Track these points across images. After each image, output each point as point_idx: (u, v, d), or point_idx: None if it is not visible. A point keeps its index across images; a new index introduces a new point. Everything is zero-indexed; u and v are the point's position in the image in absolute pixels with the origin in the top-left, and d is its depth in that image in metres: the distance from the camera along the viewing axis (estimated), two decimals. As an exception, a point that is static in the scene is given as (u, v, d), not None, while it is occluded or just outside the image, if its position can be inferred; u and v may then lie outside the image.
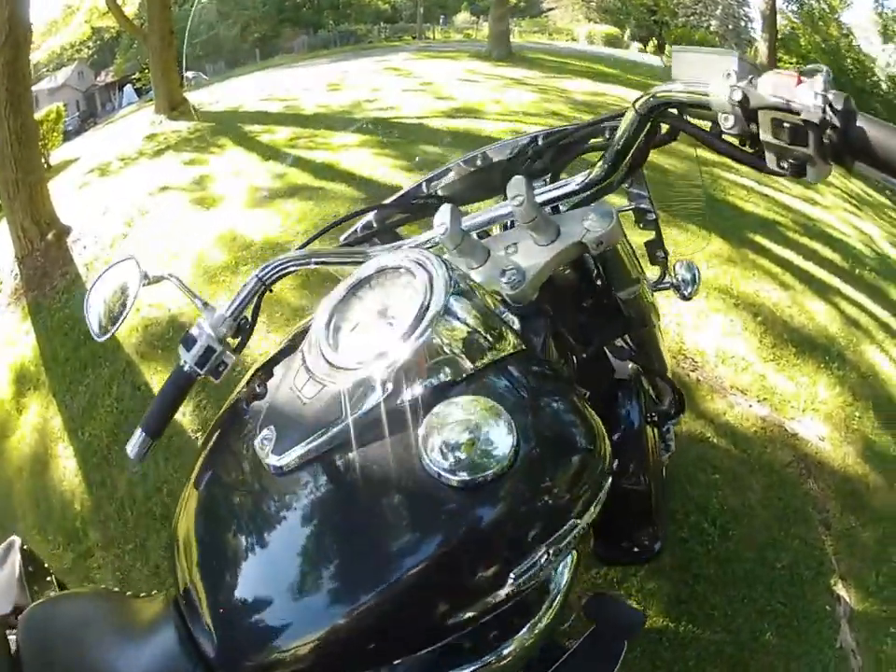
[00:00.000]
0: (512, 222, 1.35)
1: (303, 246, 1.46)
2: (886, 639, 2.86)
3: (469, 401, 0.96)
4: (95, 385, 4.06)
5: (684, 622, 2.63)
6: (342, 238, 1.60)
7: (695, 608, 2.68)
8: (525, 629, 0.99)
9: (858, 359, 4.30)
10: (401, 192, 1.56)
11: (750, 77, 0.81)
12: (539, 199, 1.24)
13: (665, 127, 1.11)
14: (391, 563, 0.91)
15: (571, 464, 1.02)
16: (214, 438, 1.21)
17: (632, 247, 1.34)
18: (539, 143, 1.39)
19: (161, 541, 3.11)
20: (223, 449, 1.18)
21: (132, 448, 1.28)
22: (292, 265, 1.32)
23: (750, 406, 3.66)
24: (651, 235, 1.54)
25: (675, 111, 1.02)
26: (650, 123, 1.07)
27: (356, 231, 1.57)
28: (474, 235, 1.24)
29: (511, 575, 0.91)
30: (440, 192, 1.51)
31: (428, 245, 1.33)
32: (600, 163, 1.19)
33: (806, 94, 0.72)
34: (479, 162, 1.46)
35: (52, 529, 3.43)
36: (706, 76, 0.87)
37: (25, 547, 1.37)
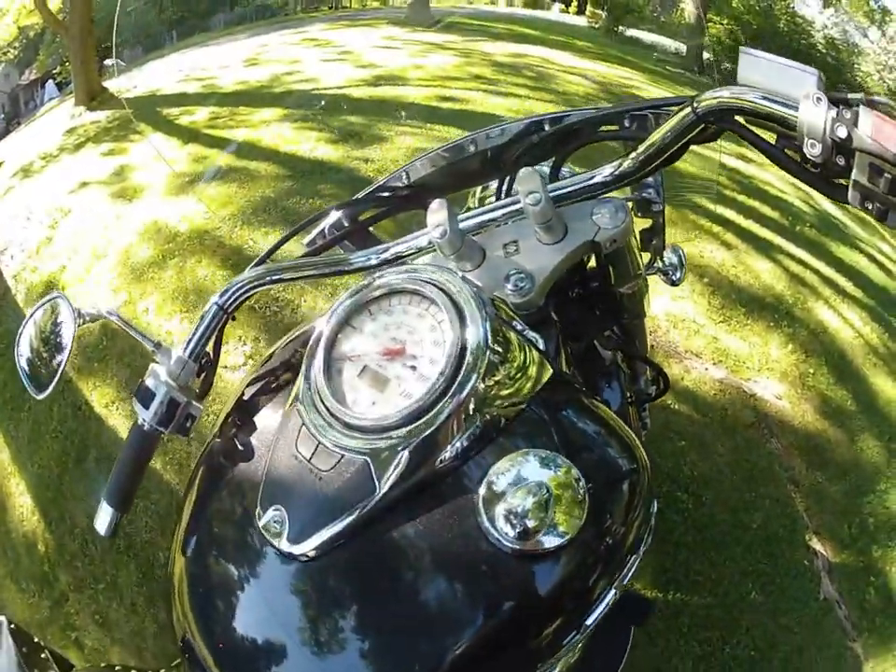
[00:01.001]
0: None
1: (263, 260, 1.25)
2: (868, 588, 3.00)
3: (526, 456, 0.84)
4: (37, 410, 3.79)
5: (672, 591, 2.69)
6: (305, 242, 1.40)
7: (681, 576, 2.74)
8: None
9: (807, 316, 4.32)
10: (375, 185, 1.39)
11: (842, 108, 0.76)
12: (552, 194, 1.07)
13: None
14: (464, 649, 0.79)
15: (634, 502, 0.91)
16: (197, 501, 1.04)
17: (637, 240, 1.25)
18: (546, 128, 1.27)
19: (131, 576, 2.95)
20: (214, 522, 0.99)
21: (101, 525, 1.11)
22: (255, 285, 1.13)
23: (706, 369, 3.65)
24: (648, 223, 1.43)
25: (739, 118, 0.92)
26: (704, 124, 0.94)
27: (322, 232, 1.38)
28: (470, 235, 1.09)
29: (587, 624, 0.85)
30: (419, 183, 1.36)
31: (421, 250, 1.14)
32: (633, 156, 1.01)
33: None
34: (468, 149, 1.33)
35: (23, 576, 3.25)
36: (778, 87, 0.84)
37: (13, 626, 1.16)
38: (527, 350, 0.94)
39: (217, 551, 0.94)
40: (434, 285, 0.90)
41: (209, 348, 1.12)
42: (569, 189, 1.07)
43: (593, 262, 1.25)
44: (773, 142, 0.89)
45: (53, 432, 3.63)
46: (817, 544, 3.10)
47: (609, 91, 3.66)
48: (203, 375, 1.14)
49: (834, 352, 4.15)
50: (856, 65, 12.40)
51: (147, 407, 1.04)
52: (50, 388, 1.11)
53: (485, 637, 0.80)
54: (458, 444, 0.84)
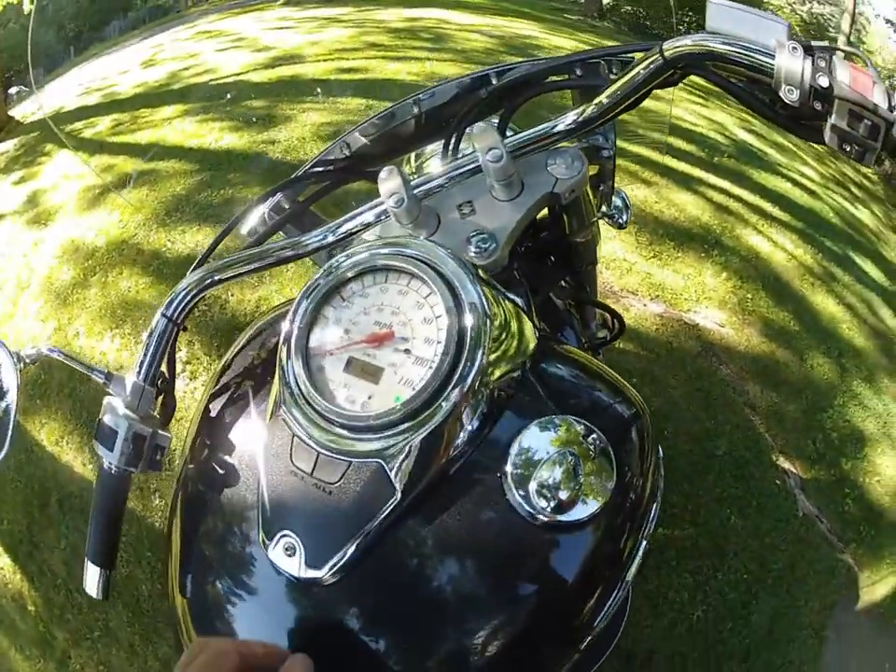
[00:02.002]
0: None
1: (203, 260, 1.12)
2: (845, 500, 3.09)
3: (542, 426, 0.79)
4: (-10, 460, 3.62)
5: (652, 527, 2.69)
6: (245, 233, 1.27)
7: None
8: None
9: (737, 244, 4.36)
10: (312, 160, 1.30)
11: (816, 57, 0.80)
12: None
13: None
14: (525, 637, 0.76)
15: (646, 449, 0.88)
16: (188, 538, 0.94)
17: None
18: (494, 81, 1.22)
19: (121, 617, 2.84)
20: (214, 560, 0.88)
21: (91, 587, 0.98)
22: (201, 288, 1.00)
23: (645, 305, 3.66)
24: (594, 169, 1.36)
25: (708, 63, 0.91)
26: (673, 69, 0.92)
27: (262, 219, 1.27)
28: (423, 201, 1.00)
29: (628, 580, 0.83)
30: (360, 153, 1.29)
31: (379, 221, 1.03)
32: (597, 101, 0.98)
33: (881, 97, 0.77)
34: (410, 111, 1.27)
35: (23, 642, 3.09)
36: (748, 35, 0.86)
37: None
38: (516, 314, 0.89)
39: (226, 591, 0.85)
40: (410, 256, 0.82)
41: (164, 367, 1.01)
42: (527, 140, 1.01)
43: (544, 213, 1.19)
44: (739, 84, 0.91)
45: (12, 482, 3.47)
46: (785, 463, 3.14)
47: (508, 45, 3.65)
48: (161, 398, 1.02)
49: (769, 276, 4.19)
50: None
51: (110, 448, 0.92)
52: (7, 444, 0.97)
53: (542, 617, 0.77)
54: (470, 426, 0.78)
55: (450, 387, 0.74)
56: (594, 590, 0.80)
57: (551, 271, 1.33)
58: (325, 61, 3.98)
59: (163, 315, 0.98)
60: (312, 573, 0.75)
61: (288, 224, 1.25)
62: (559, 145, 1.02)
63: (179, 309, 0.99)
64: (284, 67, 4.18)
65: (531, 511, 0.74)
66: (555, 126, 1.00)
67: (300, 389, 0.79)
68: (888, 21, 12.21)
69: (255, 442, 0.87)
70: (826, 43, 0.81)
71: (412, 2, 3.86)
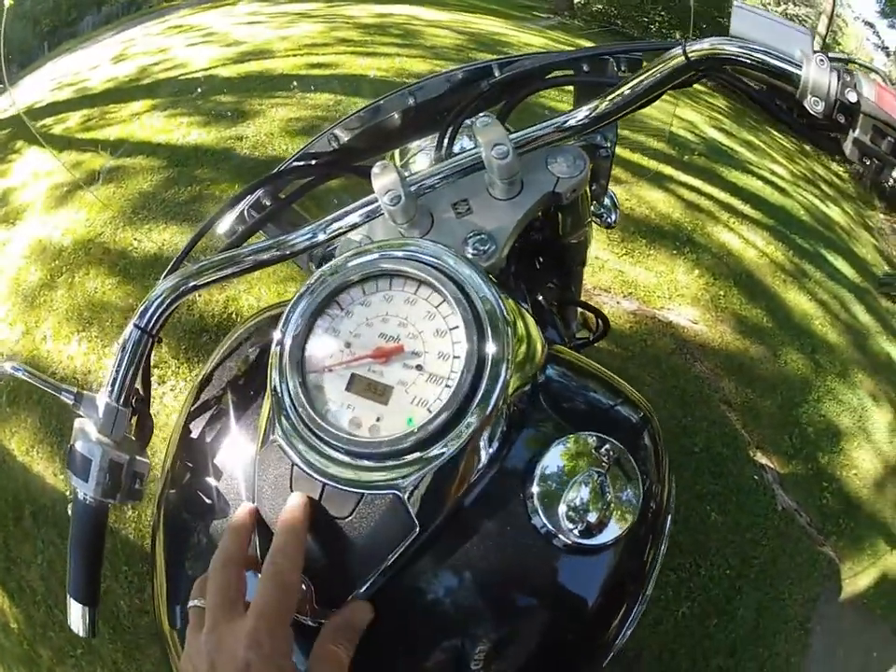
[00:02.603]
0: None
1: (177, 264, 1.01)
2: (823, 494, 3.14)
3: (561, 444, 0.74)
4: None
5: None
6: (222, 233, 1.17)
7: (637, 509, 2.77)
8: None
9: (708, 241, 4.39)
10: (296, 154, 1.22)
11: (841, 72, 0.81)
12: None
13: None
14: (560, 657, 0.74)
15: (661, 455, 0.85)
16: (175, 576, 0.89)
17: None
18: (496, 74, 1.16)
19: (102, 634, 2.77)
20: None
21: (76, 625, 0.91)
22: (177, 295, 0.91)
23: (618, 303, 3.66)
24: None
25: (728, 67, 0.89)
26: (694, 71, 0.90)
27: (241, 218, 1.17)
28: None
29: (648, 594, 0.81)
30: (347, 146, 1.23)
31: (369, 219, 0.95)
32: (612, 98, 0.93)
33: None
34: (405, 102, 1.21)
35: (9, 661, 3.04)
36: (772, 42, 0.85)
37: None
38: (526, 321, 0.81)
39: None
40: (417, 261, 0.75)
41: (138, 383, 0.92)
42: (534, 137, 0.96)
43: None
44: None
45: (-19, 495, 3.46)
46: (762, 458, 3.16)
47: (478, 41, 3.63)
48: (136, 418, 0.94)
49: (741, 273, 4.21)
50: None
51: (85, 478, 0.85)
52: None
53: (571, 639, 0.75)
54: (491, 449, 0.71)
55: (472, 408, 0.67)
56: (620, 608, 0.78)
57: (541, 272, 1.30)
58: (295, 56, 3.95)
59: (136, 325, 0.90)
60: (324, 614, 0.69)
61: (269, 223, 1.18)
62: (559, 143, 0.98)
63: (154, 319, 0.91)
64: (253, 62, 4.14)
65: (559, 534, 0.70)
66: (566, 121, 0.95)
67: (297, 412, 0.70)
68: (867, 24, 12.29)
69: (245, 471, 0.83)
70: (846, 56, 0.86)
71: (381, -1, 3.84)
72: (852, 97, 0.79)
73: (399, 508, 0.66)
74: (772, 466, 3.15)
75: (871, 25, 12.40)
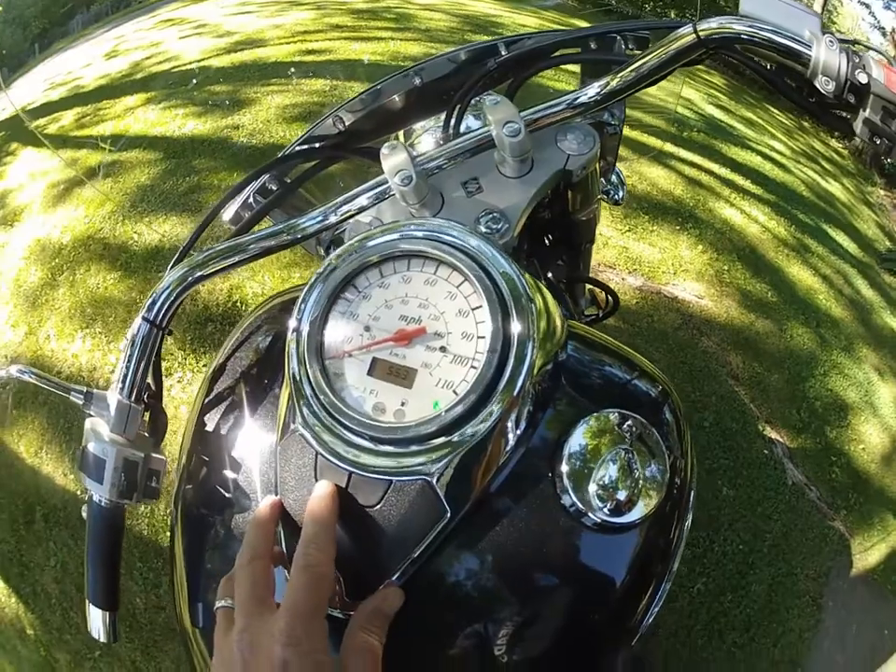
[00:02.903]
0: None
1: (183, 255, 0.99)
2: (833, 469, 3.12)
3: (587, 423, 0.72)
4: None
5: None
6: (227, 220, 1.15)
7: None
8: None
9: (710, 217, 4.37)
10: (299, 138, 1.19)
11: (851, 53, 0.82)
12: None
13: None
14: (598, 641, 0.74)
15: (682, 429, 0.83)
16: (195, 572, 0.86)
17: None
18: (503, 52, 1.14)
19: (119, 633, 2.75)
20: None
21: (96, 631, 0.88)
22: (186, 286, 0.88)
23: (623, 279, 3.65)
24: None
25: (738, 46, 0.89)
26: (705, 49, 0.88)
27: (247, 203, 1.14)
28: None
29: (674, 570, 0.79)
30: (352, 129, 1.19)
31: (379, 200, 0.92)
32: (622, 74, 0.90)
33: None
34: (411, 82, 1.19)
35: (27, 667, 3.03)
36: (781, 23, 0.86)
37: None
38: (545, 298, 0.77)
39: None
40: (437, 241, 0.73)
41: (149, 378, 0.89)
42: (544, 114, 0.93)
43: None
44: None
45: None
46: (772, 433, 3.15)
47: (472, 23, 3.62)
48: (149, 414, 0.91)
49: (745, 248, 4.21)
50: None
51: (99, 480, 0.82)
52: None
53: (604, 618, 0.74)
54: (518, 430, 0.70)
55: (499, 389, 0.65)
56: (649, 585, 0.77)
57: (550, 250, 1.28)
58: (288, 43, 3.95)
59: (145, 318, 0.87)
60: (353, 606, 0.67)
61: (275, 209, 1.15)
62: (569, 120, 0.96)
63: (163, 311, 0.87)
64: (246, 51, 4.15)
65: (590, 513, 0.69)
66: (578, 98, 0.92)
67: (318, 399, 0.69)
68: (863, 3, 12.28)
69: (265, 463, 0.81)
70: (852, 38, 0.84)
71: (375, -18, 3.83)
72: (863, 78, 0.81)
73: (430, 493, 0.65)
74: (781, 440, 3.14)
75: (866, 6, 12.37)
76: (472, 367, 0.67)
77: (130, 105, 4.99)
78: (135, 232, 3.81)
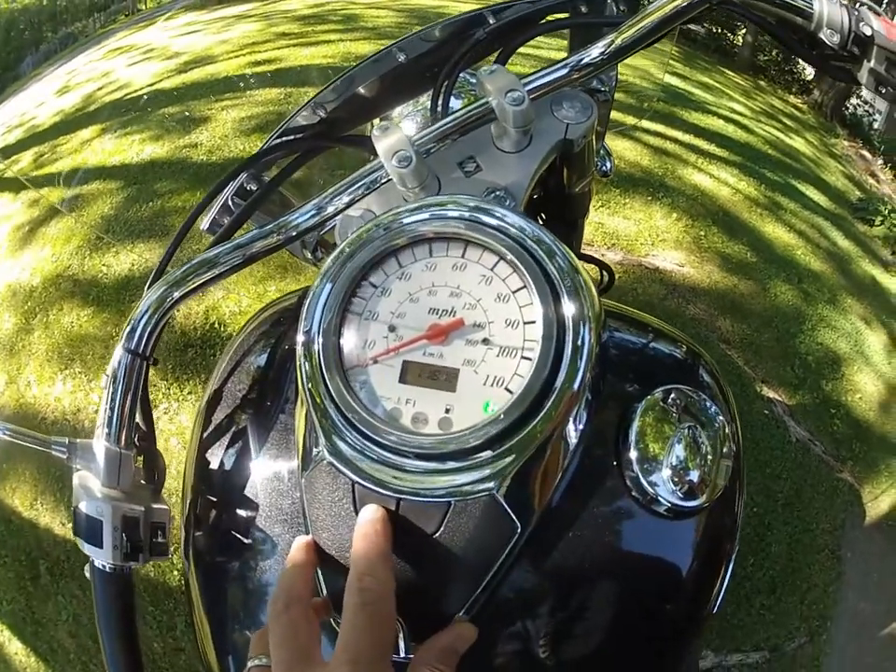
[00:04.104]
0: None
1: (159, 274, 0.87)
2: (834, 421, 3.14)
3: (649, 407, 0.69)
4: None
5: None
6: (204, 229, 1.03)
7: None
8: None
9: (680, 184, 4.39)
10: (275, 132, 1.08)
11: (850, 6, 0.86)
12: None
13: None
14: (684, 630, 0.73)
15: (730, 399, 0.81)
16: (223, 626, 0.78)
17: None
18: (491, 21, 1.07)
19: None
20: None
21: None
22: (167, 308, 0.78)
23: (603, 255, 3.62)
24: None
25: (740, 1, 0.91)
26: (708, 4, 0.87)
27: (225, 208, 1.03)
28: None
29: (738, 548, 0.77)
30: (333, 116, 1.10)
31: (374, 188, 0.83)
32: (626, 32, 0.85)
33: None
34: (395, 60, 1.10)
35: None
36: None
37: None
38: (585, 274, 0.69)
39: None
40: (463, 219, 0.64)
41: (137, 417, 0.78)
42: (547, 81, 0.86)
43: None
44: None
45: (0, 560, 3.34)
46: (770, 393, 3.16)
47: (419, 16, 3.59)
48: (143, 458, 0.80)
49: (718, 211, 4.23)
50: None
51: (98, 544, 0.72)
52: None
53: (682, 604, 0.72)
54: (581, 424, 0.64)
55: (559, 381, 0.56)
56: (720, 566, 0.75)
57: (546, 227, 1.24)
58: (237, 57, 3.91)
59: (125, 349, 0.76)
60: (416, 650, 0.57)
61: (256, 211, 1.03)
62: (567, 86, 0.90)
63: (144, 338, 0.77)
64: (197, 70, 4.10)
65: (663, 499, 0.65)
66: (582, 59, 0.86)
67: (345, 418, 0.58)
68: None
69: (285, 499, 0.74)
70: None
71: (320, -12, 3.80)
72: (867, 30, 0.84)
73: (495, 509, 0.56)
74: (780, 399, 3.15)
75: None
76: (524, 357, 0.58)
77: (86, 137, 4.94)
78: (104, 265, 3.77)
